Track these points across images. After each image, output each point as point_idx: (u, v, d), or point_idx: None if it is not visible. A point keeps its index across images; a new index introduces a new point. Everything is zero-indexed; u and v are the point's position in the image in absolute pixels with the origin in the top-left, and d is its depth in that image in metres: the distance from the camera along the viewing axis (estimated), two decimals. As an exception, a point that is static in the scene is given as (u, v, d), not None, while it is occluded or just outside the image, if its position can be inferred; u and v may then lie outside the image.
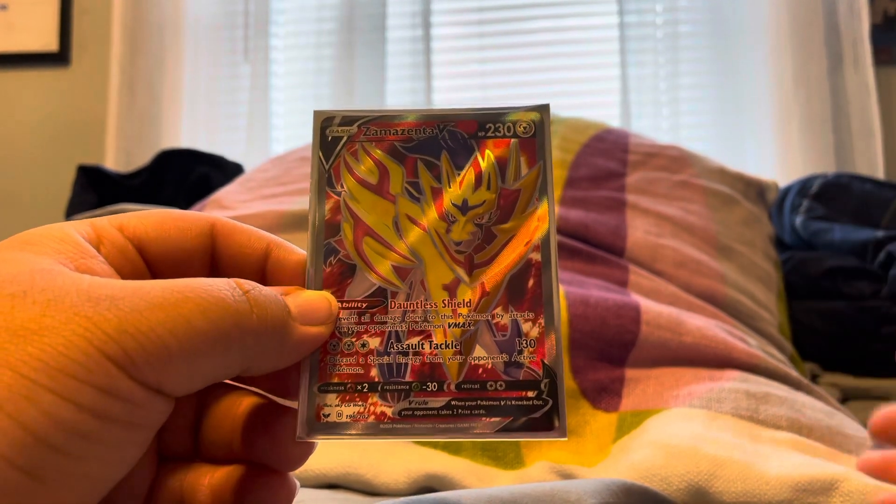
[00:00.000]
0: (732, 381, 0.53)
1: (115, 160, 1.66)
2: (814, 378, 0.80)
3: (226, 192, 0.94)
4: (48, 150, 1.78)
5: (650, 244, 0.73)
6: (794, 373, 0.59)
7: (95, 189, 1.25)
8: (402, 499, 0.31)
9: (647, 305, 0.59)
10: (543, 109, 0.26)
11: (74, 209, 1.20)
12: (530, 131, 0.26)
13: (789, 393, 0.54)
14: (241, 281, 0.21)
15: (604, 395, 0.53)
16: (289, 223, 0.78)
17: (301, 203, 0.81)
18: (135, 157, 1.63)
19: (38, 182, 1.76)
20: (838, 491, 0.39)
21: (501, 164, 0.25)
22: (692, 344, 0.57)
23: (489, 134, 0.26)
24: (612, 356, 0.56)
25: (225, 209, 0.87)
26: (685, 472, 0.42)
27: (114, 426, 0.18)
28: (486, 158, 0.25)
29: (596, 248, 0.72)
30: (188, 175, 1.27)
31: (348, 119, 0.26)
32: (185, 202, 1.15)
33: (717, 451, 0.43)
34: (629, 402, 0.53)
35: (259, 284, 0.21)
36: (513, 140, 0.26)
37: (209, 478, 0.23)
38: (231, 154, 1.40)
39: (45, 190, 1.71)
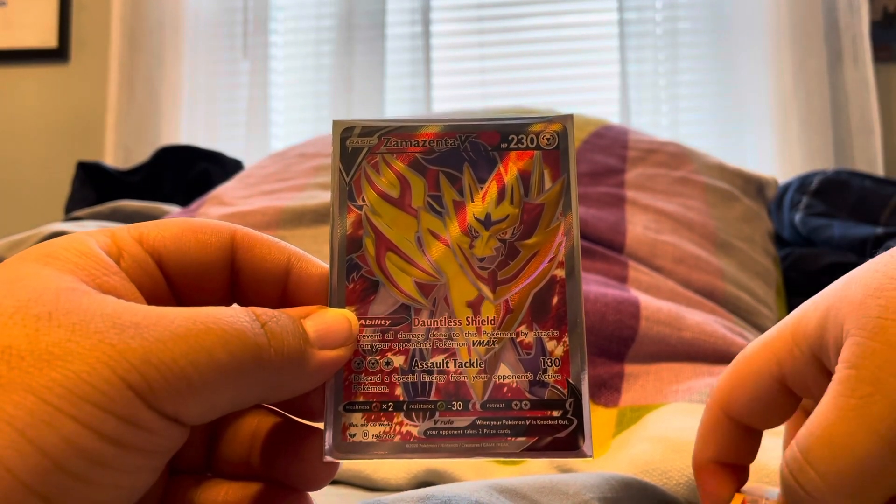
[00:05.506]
0: (732, 377, 0.53)
1: (115, 156, 1.65)
2: (813, 374, 0.80)
3: (225, 189, 0.94)
4: (47, 147, 1.78)
5: (649, 240, 0.73)
6: (793, 368, 0.59)
7: (95, 185, 1.25)
8: (404, 492, 0.31)
9: (647, 301, 0.59)
10: (567, 120, 0.25)
11: (74, 205, 1.20)
12: (553, 143, 0.25)
13: (788, 387, 0.54)
14: (259, 311, 0.21)
15: (603, 390, 0.54)
16: (288, 219, 0.78)
17: (301, 199, 0.81)
18: (134, 153, 1.63)
19: (37, 178, 1.76)
20: None
21: (524, 178, 0.25)
22: (691, 339, 0.57)
23: (512, 146, 0.25)
24: (612, 352, 0.56)
25: (224, 205, 0.87)
26: (685, 467, 0.42)
27: (131, 454, 0.18)
28: (508, 171, 0.25)
29: (595, 243, 0.72)
30: (187, 171, 1.27)
31: (368, 129, 0.25)
32: (185, 198, 1.15)
33: None
34: (628, 397, 0.53)
35: (276, 313, 0.21)
36: (536, 152, 0.25)
37: (224, 494, 0.23)
38: (230, 150, 1.40)
39: (45, 186, 1.71)
